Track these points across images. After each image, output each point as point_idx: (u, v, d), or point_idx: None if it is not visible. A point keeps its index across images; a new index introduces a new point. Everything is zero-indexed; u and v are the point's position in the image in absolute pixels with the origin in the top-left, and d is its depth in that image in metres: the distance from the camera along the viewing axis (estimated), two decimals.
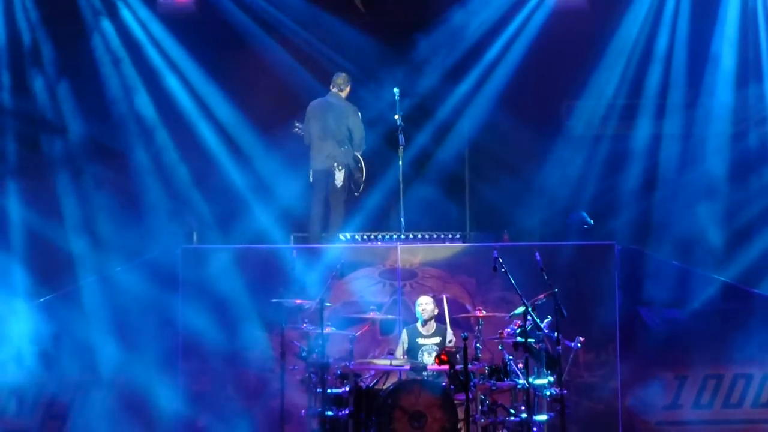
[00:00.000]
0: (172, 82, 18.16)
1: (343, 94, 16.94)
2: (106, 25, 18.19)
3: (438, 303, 15.49)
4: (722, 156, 17.96)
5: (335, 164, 16.56)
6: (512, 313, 14.36)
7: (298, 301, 14.55)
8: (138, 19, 18.11)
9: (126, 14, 18.19)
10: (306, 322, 14.36)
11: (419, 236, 16.56)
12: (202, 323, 15.85)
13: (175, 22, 18.12)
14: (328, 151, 16.69)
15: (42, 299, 16.71)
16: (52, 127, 18.16)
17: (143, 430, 15.99)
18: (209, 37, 18.07)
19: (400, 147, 16.32)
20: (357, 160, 16.93)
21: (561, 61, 18.03)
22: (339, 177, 16.62)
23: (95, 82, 18.03)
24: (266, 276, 15.86)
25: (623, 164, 18.25)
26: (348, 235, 16.65)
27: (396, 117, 16.40)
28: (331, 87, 16.96)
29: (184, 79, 18.16)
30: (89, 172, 17.91)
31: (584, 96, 18.17)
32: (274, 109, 17.94)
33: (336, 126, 16.69)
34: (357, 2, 18.03)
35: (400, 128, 16.35)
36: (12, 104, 18.02)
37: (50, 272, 17.37)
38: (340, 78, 16.95)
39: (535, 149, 18.16)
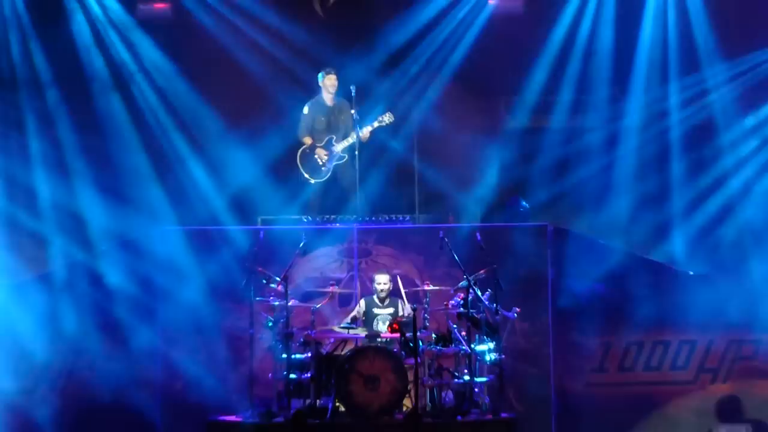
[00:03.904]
0: (145, 80, 17.98)
1: (322, 89, 17.01)
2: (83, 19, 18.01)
3: (393, 279, 15.63)
4: (640, 144, 18.14)
5: None
6: (456, 286, 14.82)
7: (260, 269, 14.77)
8: (117, 21, 17.97)
9: (101, 14, 17.95)
10: (272, 296, 14.69)
11: (373, 219, 16.72)
12: (180, 298, 16.08)
13: (153, 29, 18.09)
14: None
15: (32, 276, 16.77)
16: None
17: (116, 382, 16.02)
18: (183, 39, 18.09)
19: (356, 139, 16.57)
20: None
21: (500, 60, 17.97)
22: None
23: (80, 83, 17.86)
24: (237, 254, 16.08)
25: (557, 153, 18.36)
26: (308, 218, 16.81)
27: (352, 112, 16.53)
28: None
29: (160, 78, 18.02)
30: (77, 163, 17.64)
31: (521, 92, 18.24)
32: (239, 100, 18.02)
33: None
34: (317, 8, 18.07)
35: (355, 122, 16.53)
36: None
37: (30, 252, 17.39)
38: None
39: (478, 139, 18.11)
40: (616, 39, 18.07)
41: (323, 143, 16.76)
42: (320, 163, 16.79)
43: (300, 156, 16.86)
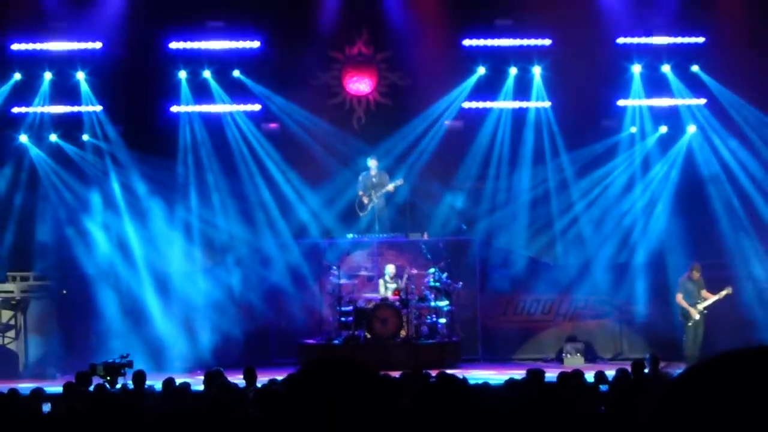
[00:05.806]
0: (267, 161, 21.39)
1: (370, 166, 20.06)
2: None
3: (397, 268, 19.37)
4: (526, 197, 21.52)
5: None
6: (428, 271, 19.29)
7: (325, 262, 19.48)
8: (252, 133, 21.32)
9: (243, 125, 21.44)
10: (331, 277, 19.35)
11: (385, 235, 20.24)
12: (280, 277, 20.37)
13: (270, 136, 21.56)
14: None
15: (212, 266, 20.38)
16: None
17: (250, 322, 19.96)
18: (285, 141, 21.61)
19: (378, 193, 20.18)
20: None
21: (451, 154, 21.63)
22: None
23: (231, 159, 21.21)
24: (315, 255, 20.45)
25: (482, 200, 21.56)
26: (351, 235, 20.35)
27: (374, 180, 20.40)
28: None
29: (273, 160, 21.38)
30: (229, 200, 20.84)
31: (461, 169, 21.66)
32: (315, 172, 21.40)
33: None
34: (355, 125, 21.69)
35: (377, 185, 20.22)
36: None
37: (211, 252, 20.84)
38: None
39: (439, 191, 21.45)
40: (510, 146, 21.39)
41: (368, 195, 20.00)
42: (365, 203, 20.11)
43: (357, 201, 20.16)
